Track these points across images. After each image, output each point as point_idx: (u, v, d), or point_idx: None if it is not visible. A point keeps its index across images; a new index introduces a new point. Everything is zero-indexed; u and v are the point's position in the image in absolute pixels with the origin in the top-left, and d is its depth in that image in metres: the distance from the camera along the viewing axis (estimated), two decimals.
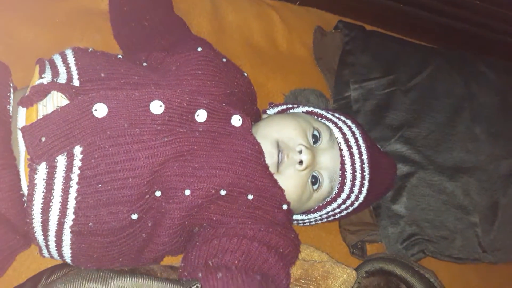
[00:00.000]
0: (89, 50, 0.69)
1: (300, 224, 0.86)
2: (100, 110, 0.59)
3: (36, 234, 0.60)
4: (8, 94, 0.64)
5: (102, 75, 0.63)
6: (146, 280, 0.57)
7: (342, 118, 0.82)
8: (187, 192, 0.62)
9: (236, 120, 0.68)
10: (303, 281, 0.72)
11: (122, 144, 0.58)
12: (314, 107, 0.85)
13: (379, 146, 0.90)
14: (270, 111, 0.85)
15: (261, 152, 0.67)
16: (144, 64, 0.72)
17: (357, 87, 1.04)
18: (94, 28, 0.86)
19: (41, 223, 0.59)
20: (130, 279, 0.56)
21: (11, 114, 0.63)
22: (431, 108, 1.04)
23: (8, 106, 0.63)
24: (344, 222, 0.92)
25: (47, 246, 0.62)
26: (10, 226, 0.59)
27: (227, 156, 0.64)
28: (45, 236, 0.60)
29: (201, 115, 0.65)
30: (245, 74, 0.78)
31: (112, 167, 0.58)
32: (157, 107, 0.61)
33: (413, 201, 0.95)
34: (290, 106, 0.85)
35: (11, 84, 0.66)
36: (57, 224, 0.59)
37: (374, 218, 0.95)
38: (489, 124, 1.07)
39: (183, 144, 0.61)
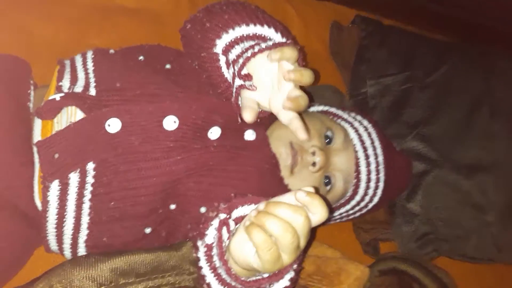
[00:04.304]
0: (110, 52, 0.68)
1: None
2: (114, 125, 0.58)
3: (51, 245, 0.61)
4: (29, 91, 0.65)
5: (118, 85, 0.61)
6: (137, 255, 0.58)
7: (358, 118, 0.81)
8: (203, 210, 0.61)
9: (250, 134, 0.66)
10: (315, 277, 0.72)
11: (134, 162, 0.58)
12: (330, 105, 0.84)
13: (395, 146, 0.88)
14: None
15: (276, 165, 0.66)
16: (167, 67, 0.68)
17: (374, 83, 1.02)
18: (111, 24, 0.87)
19: (55, 237, 0.60)
20: (122, 258, 0.56)
21: (31, 111, 0.64)
22: (449, 105, 1.02)
23: (28, 103, 0.64)
24: (358, 220, 0.91)
25: (62, 255, 0.63)
26: (28, 222, 0.60)
27: (243, 172, 0.63)
28: (60, 248, 0.62)
29: (214, 133, 0.63)
30: None
31: (124, 185, 0.58)
32: (171, 122, 0.60)
33: (428, 199, 0.94)
34: None
35: (31, 82, 0.67)
36: (71, 238, 0.60)
37: (387, 217, 0.94)
38: (508, 120, 1.04)
39: (197, 161, 0.60)
